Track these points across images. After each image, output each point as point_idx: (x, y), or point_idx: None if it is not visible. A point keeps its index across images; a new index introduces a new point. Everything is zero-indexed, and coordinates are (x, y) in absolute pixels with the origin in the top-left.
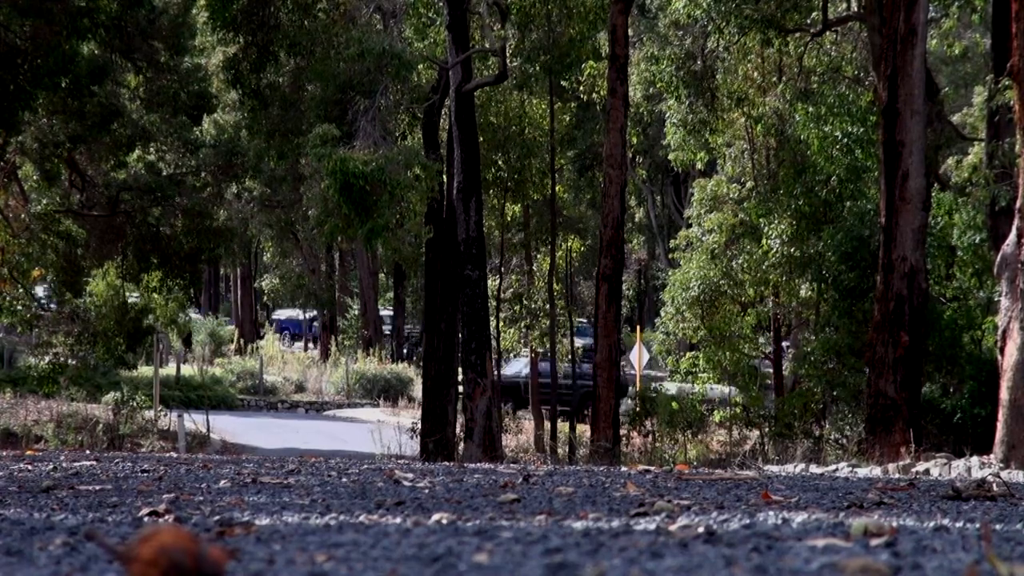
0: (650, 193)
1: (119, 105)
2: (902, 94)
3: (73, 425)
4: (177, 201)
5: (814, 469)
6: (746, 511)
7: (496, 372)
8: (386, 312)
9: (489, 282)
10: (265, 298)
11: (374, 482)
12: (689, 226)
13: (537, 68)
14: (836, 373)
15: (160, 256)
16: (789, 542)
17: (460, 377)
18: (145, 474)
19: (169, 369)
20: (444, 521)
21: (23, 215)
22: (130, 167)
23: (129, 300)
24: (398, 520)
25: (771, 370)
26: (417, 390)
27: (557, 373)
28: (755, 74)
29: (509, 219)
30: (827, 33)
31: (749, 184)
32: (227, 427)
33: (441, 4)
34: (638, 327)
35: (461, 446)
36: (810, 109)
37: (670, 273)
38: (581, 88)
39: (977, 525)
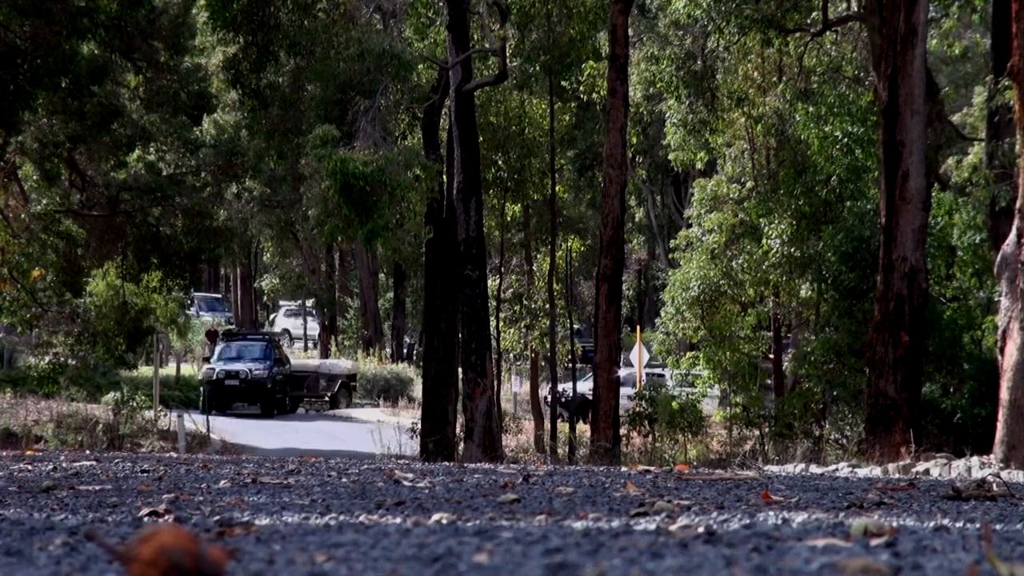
0: (650, 193)
1: (119, 105)
2: (902, 94)
3: (73, 425)
4: (177, 201)
5: (814, 469)
6: (746, 511)
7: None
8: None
9: (489, 282)
10: (265, 298)
11: (374, 482)
12: (689, 226)
13: (537, 68)
14: (836, 373)
15: (160, 256)
16: (789, 542)
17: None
18: (145, 474)
19: (169, 369)
20: (444, 521)
21: (23, 215)
22: (130, 167)
23: (129, 300)
24: (398, 520)
25: (770, 368)
26: (417, 390)
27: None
28: (755, 74)
29: (509, 219)
30: (827, 33)
31: (749, 184)
32: (227, 427)
33: (441, 4)
34: (638, 327)
35: (461, 446)
36: (810, 109)
37: (670, 273)
38: (581, 88)
39: (977, 525)
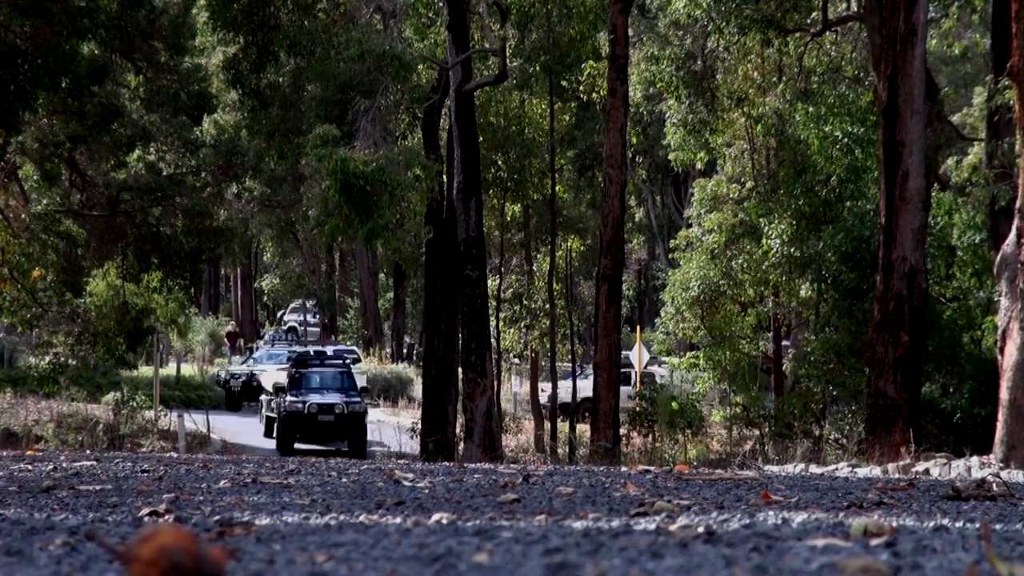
0: (650, 193)
1: (119, 105)
2: (902, 94)
3: (73, 425)
4: (177, 201)
5: (814, 469)
6: (746, 511)
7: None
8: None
9: (489, 282)
10: (265, 298)
11: (374, 482)
12: (689, 226)
13: (537, 68)
14: (836, 373)
15: (160, 256)
16: (789, 542)
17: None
18: (145, 474)
19: (169, 369)
20: (444, 521)
21: (23, 215)
22: (130, 167)
23: (129, 300)
24: (398, 520)
25: (769, 367)
26: (417, 390)
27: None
28: (755, 74)
29: (509, 219)
30: (827, 33)
31: (749, 184)
32: (227, 427)
33: (441, 4)
34: (638, 327)
35: (461, 446)
36: (810, 109)
37: (670, 273)
38: (581, 88)
39: (977, 525)
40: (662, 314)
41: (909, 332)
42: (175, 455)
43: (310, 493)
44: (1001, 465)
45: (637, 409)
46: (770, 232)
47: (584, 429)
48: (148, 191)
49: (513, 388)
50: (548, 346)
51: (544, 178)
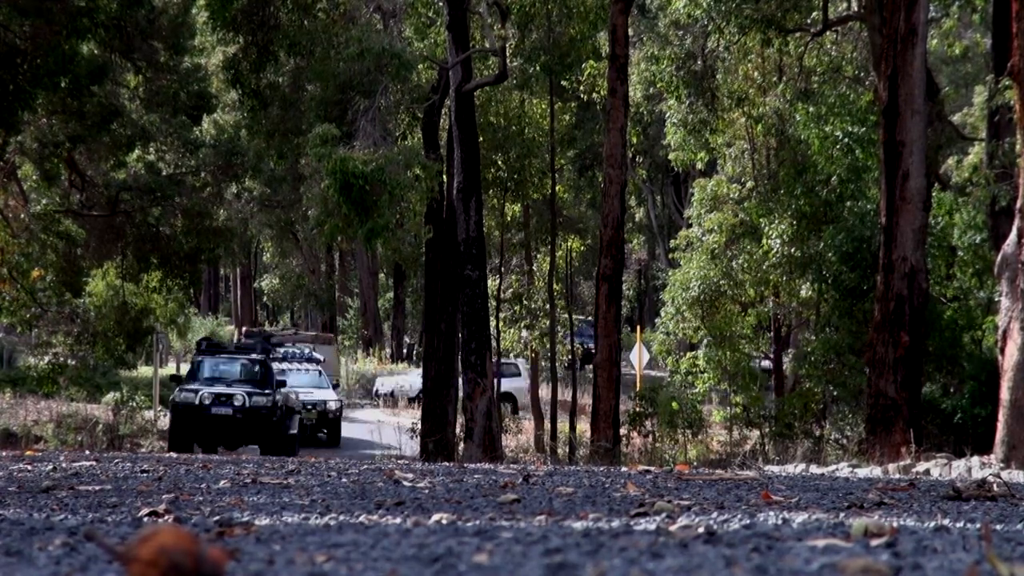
0: (650, 193)
1: (119, 105)
2: (902, 94)
3: (73, 425)
4: (177, 201)
5: (814, 469)
6: (746, 511)
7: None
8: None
9: (489, 282)
10: (265, 298)
11: (374, 482)
12: (689, 226)
13: (537, 68)
14: (836, 373)
15: (160, 256)
16: (789, 542)
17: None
18: (145, 474)
19: (169, 369)
20: (444, 521)
21: (23, 215)
22: (130, 167)
23: (129, 300)
24: (398, 520)
25: (769, 367)
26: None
27: None
28: (755, 74)
29: (509, 219)
30: (827, 33)
31: (749, 184)
32: None
33: (441, 4)
34: (638, 327)
35: (461, 446)
36: (810, 109)
37: (670, 273)
38: (581, 88)
39: (977, 525)
40: (662, 314)
41: (909, 332)
42: (175, 455)
43: (310, 493)
44: (1002, 465)
45: (637, 409)
46: (770, 232)
47: (584, 429)
48: (148, 191)
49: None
50: (548, 346)
51: (544, 178)
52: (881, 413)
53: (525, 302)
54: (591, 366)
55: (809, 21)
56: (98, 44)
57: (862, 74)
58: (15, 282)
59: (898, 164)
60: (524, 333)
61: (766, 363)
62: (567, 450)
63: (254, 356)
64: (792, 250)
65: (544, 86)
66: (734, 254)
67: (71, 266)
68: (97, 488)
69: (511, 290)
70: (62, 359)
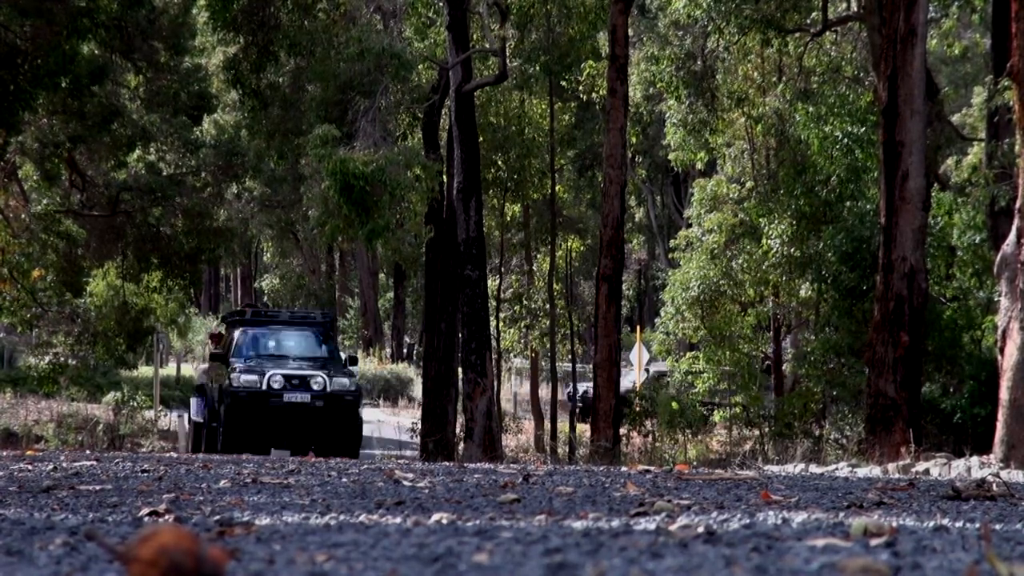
0: (650, 193)
1: (119, 105)
2: (902, 94)
3: (73, 425)
4: (177, 201)
5: (814, 469)
6: (746, 511)
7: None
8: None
9: (489, 282)
10: (265, 298)
11: (374, 482)
12: (689, 226)
13: (537, 68)
14: (836, 373)
15: (160, 256)
16: (789, 542)
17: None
18: (145, 474)
19: (169, 369)
20: (444, 521)
21: (23, 215)
22: (130, 167)
23: (129, 300)
24: (398, 520)
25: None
26: (417, 390)
27: None
28: (755, 74)
29: (509, 219)
30: (827, 33)
31: (749, 184)
32: None
33: (441, 4)
34: (638, 327)
35: (461, 446)
36: (810, 109)
37: (670, 273)
38: (581, 88)
39: (977, 525)
40: (662, 314)
41: (909, 332)
42: (175, 455)
43: (310, 493)
44: (1001, 465)
45: (637, 409)
46: (770, 232)
47: (584, 429)
48: (148, 191)
49: (512, 388)
50: (548, 346)
51: (544, 178)
52: (880, 413)
53: (525, 302)
54: (591, 366)
55: (809, 21)
56: (99, 44)
57: (862, 74)
58: (15, 282)
59: (897, 164)
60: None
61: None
62: (567, 450)
63: (316, 326)
64: (792, 250)
65: (544, 86)
66: (734, 254)
67: (71, 266)
68: (98, 488)
69: (511, 290)
70: (62, 359)
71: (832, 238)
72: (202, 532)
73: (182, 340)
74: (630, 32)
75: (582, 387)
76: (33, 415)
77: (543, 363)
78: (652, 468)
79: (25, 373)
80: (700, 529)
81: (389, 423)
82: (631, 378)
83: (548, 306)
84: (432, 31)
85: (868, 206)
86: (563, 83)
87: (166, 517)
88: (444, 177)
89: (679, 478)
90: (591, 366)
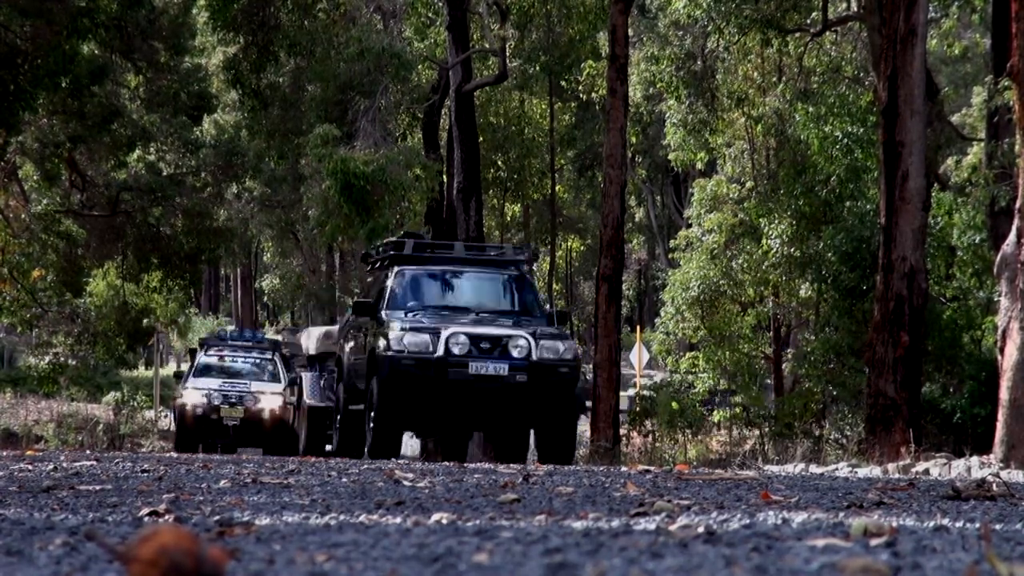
0: (650, 193)
1: (119, 105)
2: (902, 94)
3: (73, 425)
4: (177, 201)
5: (814, 469)
6: (746, 511)
7: None
8: None
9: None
10: (265, 298)
11: (374, 482)
12: (689, 226)
13: (537, 68)
14: (836, 373)
15: (160, 256)
16: (789, 542)
17: None
18: (145, 474)
19: (169, 369)
20: (444, 521)
21: (23, 215)
22: (130, 167)
23: (129, 300)
24: (398, 520)
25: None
26: None
27: None
28: (755, 74)
29: (509, 219)
30: (827, 33)
31: (749, 184)
32: None
33: (441, 4)
34: (638, 327)
35: None
36: (810, 109)
37: (670, 273)
38: (581, 88)
39: (977, 525)
40: (662, 314)
41: (909, 332)
42: (175, 455)
43: (310, 493)
44: (1001, 465)
45: (637, 409)
46: (770, 232)
47: (584, 429)
48: (148, 191)
49: None
50: None
51: (544, 178)
52: (880, 413)
53: None
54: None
55: (809, 21)
56: (99, 44)
57: (862, 74)
58: (16, 282)
59: (897, 164)
60: None
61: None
62: None
63: (510, 265)
64: (792, 250)
65: (544, 86)
66: (734, 254)
67: (72, 266)
68: (98, 488)
69: None
70: (62, 359)
71: (832, 238)
72: (202, 532)
73: (182, 340)
74: (630, 32)
75: None
76: (33, 415)
77: None
78: (652, 468)
79: (25, 373)
80: (700, 529)
81: None
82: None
83: (548, 306)
84: (432, 31)
85: (868, 206)
86: (563, 83)
87: (166, 517)
88: (444, 177)
89: (679, 478)
90: (591, 366)
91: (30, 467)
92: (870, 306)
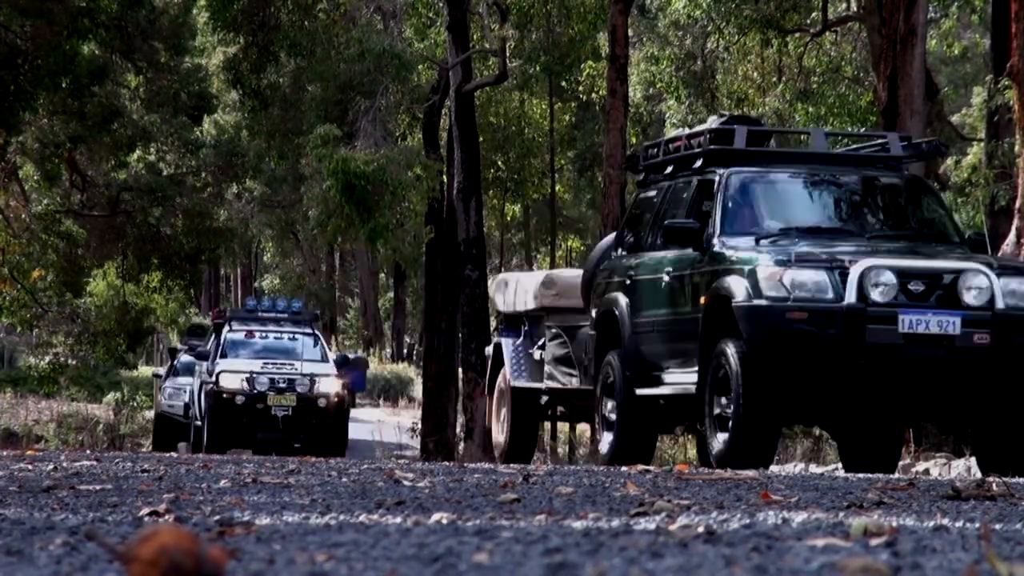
0: None
1: (119, 105)
2: (902, 94)
3: (73, 425)
4: (177, 201)
5: (814, 469)
6: (746, 511)
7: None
8: None
9: (489, 282)
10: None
11: (374, 482)
12: None
13: (537, 68)
14: None
15: (160, 256)
16: (789, 542)
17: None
18: (145, 474)
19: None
20: (444, 521)
21: (23, 215)
22: (130, 167)
23: (129, 300)
24: (398, 520)
25: None
26: (417, 390)
27: None
28: (755, 74)
29: (509, 219)
30: (827, 33)
31: None
32: None
33: (441, 4)
34: None
35: (461, 446)
36: (810, 109)
37: None
38: (581, 88)
39: (977, 525)
40: None
41: None
42: (175, 455)
43: (310, 493)
44: None
45: None
46: None
47: (584, 429)
48: (148, 191)
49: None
50: None
51: (544, 178)
52: None
53: None
54: None
55: (809, 21)
56: (99, 44)
57: (862, 74)
58: (16, 282)
59: None
60: None
61: None
62: (567, 450)
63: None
64: None
65: (544, 86)
66: None
67: (72, 266)
68: (98, 488)
69: None
70: (63, 359)
71: None
72: (202, 532)
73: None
74: (630, 32)
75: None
76: (33, 415)
77: None
78: (652, 468)
79: (25, 373)
80: (700, 529)
81: (389, 423)
82: None
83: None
84: (432, 31)
85: None
86: (563, 83)
87: (166, 517)
88: (444, 177)
89: (679, 478)
90: None
91: (30, 467)
92: None
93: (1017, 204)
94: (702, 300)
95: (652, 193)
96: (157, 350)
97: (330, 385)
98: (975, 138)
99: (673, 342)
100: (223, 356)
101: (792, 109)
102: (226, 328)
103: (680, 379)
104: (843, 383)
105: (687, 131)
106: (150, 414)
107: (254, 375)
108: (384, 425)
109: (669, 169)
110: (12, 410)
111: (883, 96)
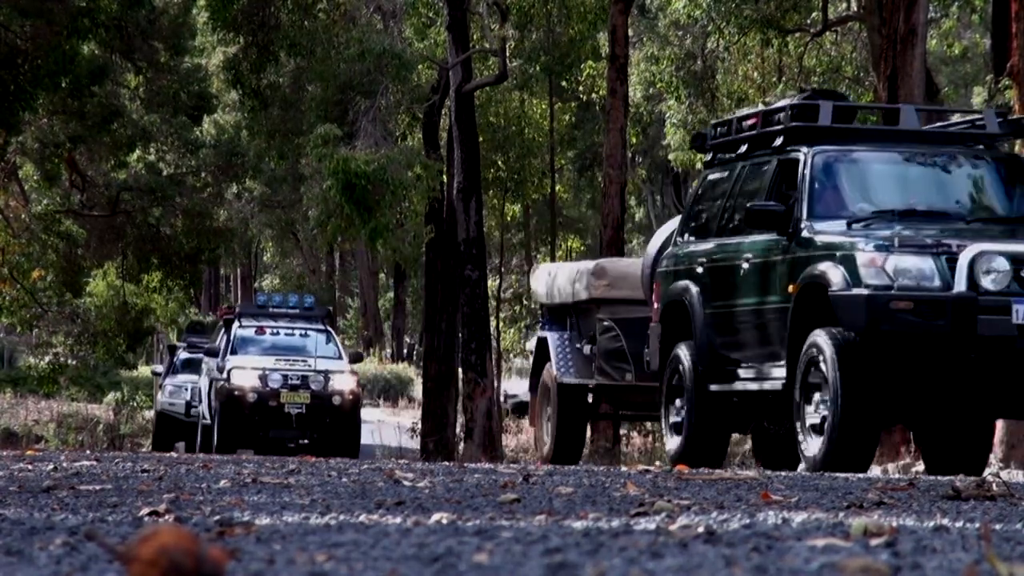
0: (650, 193)
1: (119, 105)
2: (902, 94)
3: (73, 425)
4: (177, 201)
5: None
6: (746, 511)
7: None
8: None
9: (489, 282)
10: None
11: (374, 482)
12: None
13: (537, 68)
14: None
15: (160, 256)
16: (789, 542)
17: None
18: (145, 474)
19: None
20: (444, 521)
21: (23, 215)
22: (130, 167)
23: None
24: (398, 520)
25: None
26: (417, 390)
27: None
28: (755, 74)
29: (509, 219)
30: (827, 33)
31: None
32: None
33: (441, 4)
34: None
35: (461, 446)
36: None
37: None
38: (581, 88)
39: (977, 525)
40: None
41: None
42: (175, 455)
43: (310, 493)
44: (1001, 465)
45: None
46: None
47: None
48: (148, 191)
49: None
50: None
51: (544, 178)
52: None
53: (525, 302)
54: None
55: (809, 21)
56: (99, 44)
57: (862, 74)
58: (15, 282)
59: None
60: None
61: None
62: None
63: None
64: None
65: (544, 86)
66: None
67: (71, 266)
68: (98, 488)
69: (511, 290)
70: (62, 359)
71: None
72: (202, 532)
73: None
74: (630, 32)
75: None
76: (33, 415)
77: None
78: (652, 468)
79: (25, 373)
80: (700, 529)
81: (389, 423)
82: None
83: None
84: (432, 31)
85: None
86: (563, 83)
87: (166, 517)
88: (444, 177)
89: (679, 478)
90: None
91: (30, 467)
92: None
93: None
94: (790, 289)
95: (723, 174)
96: (157, 350)
97: (344, 382)
98: None
99: (753, 334)
100: (233, 353)
101: None
102: (236, 324)
103: (762, 374)
104: (951, 379)
105: (762, 107)
106: (150, 414)
107: (267, 372)
108: (384, 425)
109: (743, 148)
110: (12, 410)
111: (883, 96)
